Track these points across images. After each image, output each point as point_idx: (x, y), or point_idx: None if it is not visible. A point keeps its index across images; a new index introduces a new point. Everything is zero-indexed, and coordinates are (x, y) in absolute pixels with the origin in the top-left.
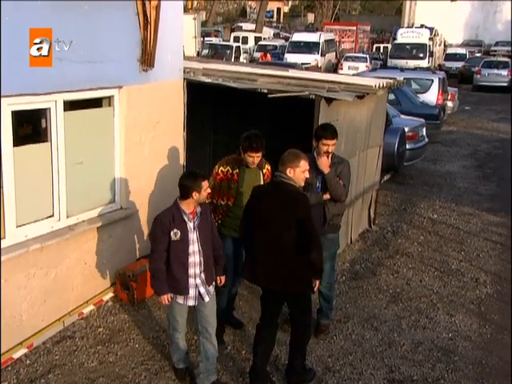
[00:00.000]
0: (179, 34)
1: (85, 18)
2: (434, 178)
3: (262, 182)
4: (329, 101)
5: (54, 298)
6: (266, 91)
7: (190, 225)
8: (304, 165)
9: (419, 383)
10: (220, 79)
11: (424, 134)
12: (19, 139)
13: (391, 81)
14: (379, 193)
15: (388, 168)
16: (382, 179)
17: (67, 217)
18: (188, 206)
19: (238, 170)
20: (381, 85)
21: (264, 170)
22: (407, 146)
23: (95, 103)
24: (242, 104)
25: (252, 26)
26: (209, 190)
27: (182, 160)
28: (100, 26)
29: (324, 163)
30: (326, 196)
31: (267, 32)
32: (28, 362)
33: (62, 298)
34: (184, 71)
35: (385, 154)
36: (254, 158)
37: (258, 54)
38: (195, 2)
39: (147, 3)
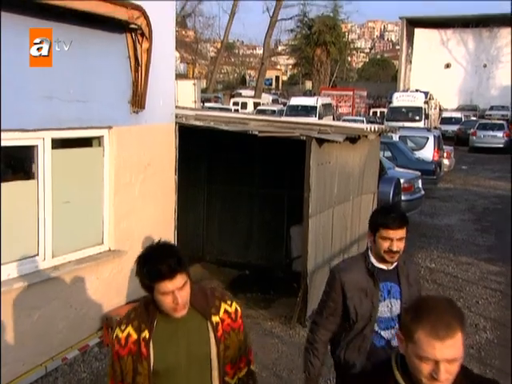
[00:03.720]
0: (171, 79)
1: (76, 58)
2: (432, 230)
3: (212, 349)
4: (320, 142)
5: (36, 342)
6: (257, 133)
7: None
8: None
9: None
10: (212, 123)
11: (420, 186)
12: (5, 175)
13: (382, 126)
14: None
15: None
16: None
17: (53, 256)
18: None
19: (148, 333)
20: (372, 129)
21: (216, 318)
22: (403, 198)
23: (85, 142)
24: (235, 149)
25: (251, 93)
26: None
27: (173, 202)
28: (92, 67)
29: None
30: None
31: (266, 98)
32: None
33: (44, 341)
34: (176, 116)
35: (380, 203)
36: (176, 293)
37: None
38: (196, 70)
39: (138, 46)
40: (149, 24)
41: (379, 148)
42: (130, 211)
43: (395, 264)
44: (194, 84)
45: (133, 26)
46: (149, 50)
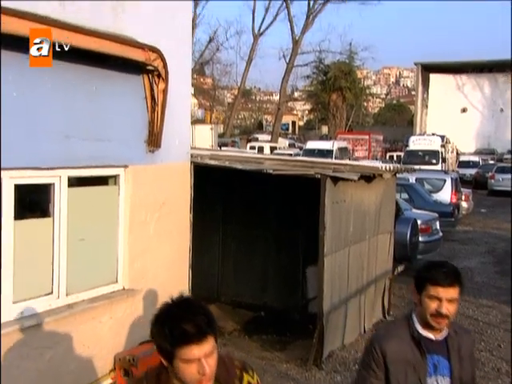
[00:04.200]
0: (187, 119)
1: (94, 98)
2: None
3: None
4: (335, 181)
5: (47, 382)
6: (271, 171)
7: None
8: None
9: None
10: (227, 162)
11: (438, 227)
12: (21, 212)
13: (398, 165)
14: (394, 284)
15: (401, 258)
16: (395, 270)
17: (67, 295)
18: None
19: None
20: (387, 167)
21: None
22: (421, 239)
23: (101, 181)
24: (250, 189)
25: (268, 138)
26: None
27: (188, 242)
28: (109, 107)
29: None
30: None
31: (282, 142)
32: None
33: (56, 382)
34: (192, 156)
35: (397, 244)
36: (203, 361)
37: None
38: (213, 116)
39: (155, 87)
40: (165, 65)
41: (395, 188)
42: (144, 250)
43: (445, 333)
44: (212, 129)
45: (150, 67)
46: (165, 91)
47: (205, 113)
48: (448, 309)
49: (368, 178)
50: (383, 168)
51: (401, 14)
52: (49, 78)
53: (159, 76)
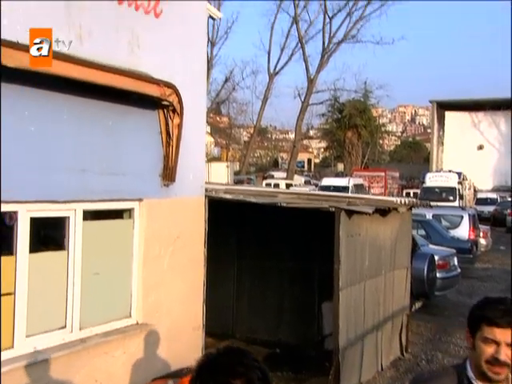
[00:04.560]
0: (201, 153)
1: (110, 132)
2: None
3: None
4: (350, 214)
5: None
6: (285, 204)
7: None
8: None
9: None
10: (241, 196)
11: (456, 263)
12: (36, 245)
13: (413, 199)
14: (411, 321)
15: (418, 294)
16: (413, 307)
17: (80, 329)
18: None
19: None
20: (402, 201)
21: None
22: (438, 275)
23: (115, 214)
24: (264, 222)
25: (283, 175)
26: None
27: (202, 276)
28: (124, 141)
29: None
30: None
31: (298, 179)
32: None
33: None
34: (206, 190)
35: (414, 279)
36: None
37: None
38: (229, 154)
39: (170, 121)
40: (180, 100)
41: (411, 223)
42: (158, 284)
43: None
44: (227, 166)
45: (165, 102)
46: (180, 126)
47: (221, 151)
48: (508, 354)
49: (383, 211)
50: (398, 202)
51: (415, 52)
52: (66, 112)
53: (174, 111)
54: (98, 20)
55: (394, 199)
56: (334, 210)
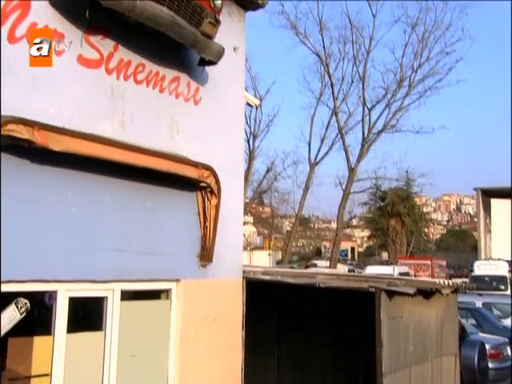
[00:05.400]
0: (239, 235)
1: (149, 213)
2: None
3: None
4: (391, 295)
5: None
6: (323, 285)
7: None
8: None
9: None
10: (279, 277)
11: (509, 353)
12: (73, 325)
13: (457, 281)
14: None
15: None
16: None
17: None
18: None
19: None
20: (446, 283)
21: None
22: (490, 365)
23: (152, 295)
24: (304, 305)
25: (326, 264)
26: None
27: (240, 360)
28: (162, 222)
29: None
30: None
31: (341, 268)
32: None
33: None
34: (244, 271)
35: (464, 368)
36: None
37: None
38: (272, 243)
39: (207, 202)
40: (217, 182)
41: (457, 306)
42: (195, 368)
43: None
44: (269, 254)
45: (203, 183)
46: (217, 206)
47: (263, 240)
48: None
49: (426, 294)
50: (441, 283)
51: (456, 140)
52: (107, 194)
53: (212, 192)
54: (140, 107)
55: (436, 281)
56: (373, 290)
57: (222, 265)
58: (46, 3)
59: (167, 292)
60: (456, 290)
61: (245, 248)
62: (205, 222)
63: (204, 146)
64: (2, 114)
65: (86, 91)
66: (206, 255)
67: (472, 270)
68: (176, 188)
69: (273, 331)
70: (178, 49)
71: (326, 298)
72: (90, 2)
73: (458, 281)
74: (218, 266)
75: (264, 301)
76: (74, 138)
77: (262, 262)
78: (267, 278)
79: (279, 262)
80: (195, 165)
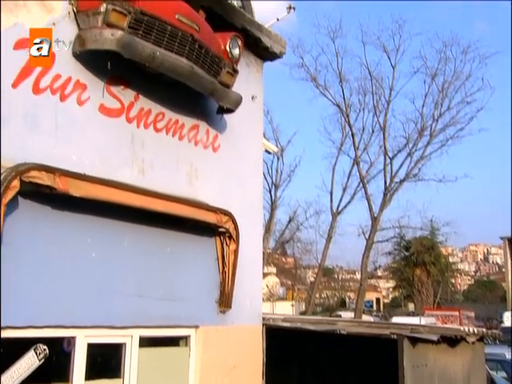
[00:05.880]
0: (258, 280)
1: (167, 258)
2: None
3: None
4: (414, 342)
5: None
6: (344, 332)
7: None
8: None
9: None
10: (299, 324)
11: None
12: (91, 372)
13: (483, 329)
14: None
15: None
16: None
17: None
18: None
19: None
20: (471, 330)
21: None
22: None
23: (171, 341)
24: (326, 353)
25: (351, 315)
26: None
27: None
28: (181, 267)
29: None
30: None
31: (366, 319)
32: None
33: None
34: (264, 318)
35: None
36: None
37: None
38: (295, 294)
39: (226, 248)
40: (236, 227)
41: (484, 356)
42: None
43: None
44: (293, 305)
45: (221, 229)
46: (236, 252)
47: (286, 291)
48: None
49: (451, 341)
50: (466, 330)
51: (480, 188)
52: (126, 239)
53: (230, 237)
54: (160, 154)
55: (461, 328)
56: (395, 337)
57: (241, 311)
58: (70, 55)
59: (186, 339)
60: (482, 339)
61: (268, 299)
62: (223, 268)
63: (222, 192)
64: (25, 161)
65: (107, 139)
66: (225, 301)
67: (502, 321)
68: (195, 233)
69: (294, 380)
70: (196, 97)
71: (348, 345)
72: (112, 54)
73: (489, 332)
74: (237, 313)
75: (285, 349)
76: (94, 184)
77: (285, 312)
78: (287, 324)
79: (303, 313)
80: (214, 210)
